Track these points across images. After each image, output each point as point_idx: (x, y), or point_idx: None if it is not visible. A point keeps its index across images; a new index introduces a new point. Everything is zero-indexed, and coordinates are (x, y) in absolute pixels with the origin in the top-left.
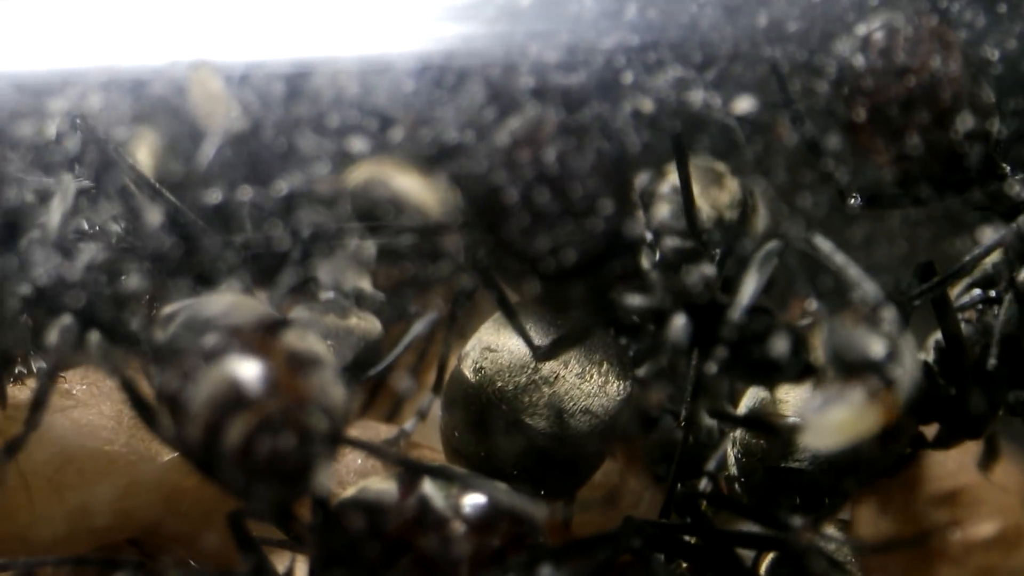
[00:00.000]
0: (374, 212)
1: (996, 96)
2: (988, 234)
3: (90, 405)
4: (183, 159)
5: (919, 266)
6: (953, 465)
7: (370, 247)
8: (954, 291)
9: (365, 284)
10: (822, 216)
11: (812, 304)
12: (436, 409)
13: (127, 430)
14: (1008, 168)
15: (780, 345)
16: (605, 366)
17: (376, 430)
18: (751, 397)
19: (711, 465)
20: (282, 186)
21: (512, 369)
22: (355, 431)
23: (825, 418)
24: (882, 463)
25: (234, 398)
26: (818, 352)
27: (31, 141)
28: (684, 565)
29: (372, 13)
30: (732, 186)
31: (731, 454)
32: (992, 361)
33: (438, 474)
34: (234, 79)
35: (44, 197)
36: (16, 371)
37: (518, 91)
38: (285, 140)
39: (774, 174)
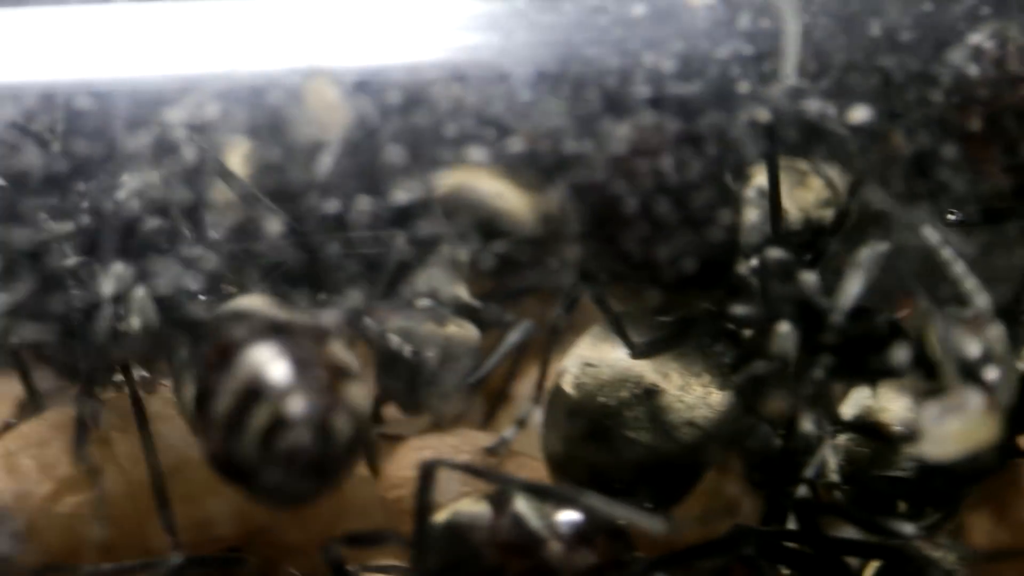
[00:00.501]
0: (463, 219)
1: None
2: None
3: None
4: (299, 168)
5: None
6: None
7: (464, 255)
8: None
9: (462, 292)
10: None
11: (922, 302)
12: (535, 417)
13: None
14: None
15: (893, 346)
16: (706, 377)
17: (474, 438)
18: (853, 405)
19: (810, 472)
20: (399, 195)
21: (614, 384)
22: (453, 439)
23: (945, 427)
24: (992, 471)
25: (268, 383)
26: (933, 350)
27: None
28: (787, 573)
29: (484, 23)
30: (817, 185)
31: (831, 461)
32: None
33: (553, 496)
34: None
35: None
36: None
37: (633, 100)
38: (397, 148)
39: (890, 184)
